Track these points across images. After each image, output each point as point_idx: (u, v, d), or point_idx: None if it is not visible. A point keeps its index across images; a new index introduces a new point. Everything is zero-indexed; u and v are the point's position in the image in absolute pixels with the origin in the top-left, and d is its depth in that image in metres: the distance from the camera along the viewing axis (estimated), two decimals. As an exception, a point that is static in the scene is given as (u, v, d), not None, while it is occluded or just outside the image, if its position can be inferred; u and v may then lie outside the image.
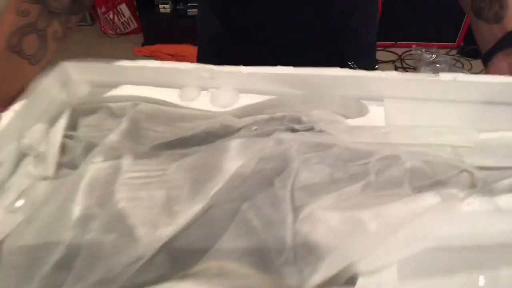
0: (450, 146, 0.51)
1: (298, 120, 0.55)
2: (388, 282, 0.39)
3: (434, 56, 2.92)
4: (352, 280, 0.40)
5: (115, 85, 0.67)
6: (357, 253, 0.41)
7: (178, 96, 0.66)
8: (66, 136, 0.59)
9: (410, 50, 3.04)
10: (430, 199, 0.46)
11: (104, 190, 0.50)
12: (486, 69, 0.70)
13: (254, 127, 0.57)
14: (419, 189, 0.47)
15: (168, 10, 3.20)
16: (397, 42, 3.06)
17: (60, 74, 0.66)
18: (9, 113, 0.56)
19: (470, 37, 2.97)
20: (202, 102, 0.64)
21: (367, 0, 0.88)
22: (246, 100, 0.63)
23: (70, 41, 3.39)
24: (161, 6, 3.19)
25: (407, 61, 3.00)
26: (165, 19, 3.22)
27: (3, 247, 0.44)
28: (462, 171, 0.50)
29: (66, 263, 0.43)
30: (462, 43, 3.05)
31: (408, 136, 0.52)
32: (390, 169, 0.48)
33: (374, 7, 0.94)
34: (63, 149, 0.58)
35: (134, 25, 3.47)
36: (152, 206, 0.47)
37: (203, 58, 0.99)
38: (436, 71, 2.75)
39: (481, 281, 0.36)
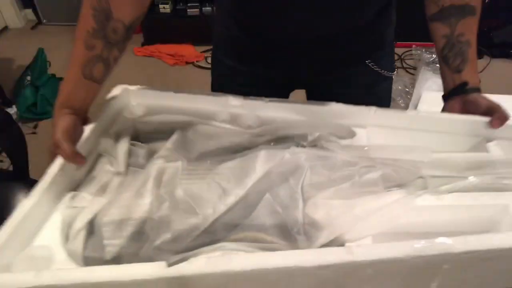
0: (412, 160, 0.80)
1: (305, 139, 0.83)
2: (365, 244, 0.68)
3: (434, 56, 3.11)
4: (342, 244, 0.69)
5: (164, 107, 0.95)
6: (344, 228, 0.69)
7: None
8: (131, 144, 0.87)
9: (410, 50, 3.27)
10: (395, 195, 0.74)
11: (169, 182, 0.77)
12: (443, 107, 0.93)
13: (272, 143, 0.85)
14: (388, 188, 0.76)
15: (168, 10, 3.43)
16: (397, 42, 3.26)
17: (122, 98, 0.94)
18: (90, 126, 0.85)
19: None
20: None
21: (389, 1, 0.98)
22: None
23: (70, 41, 3.65)
24: (161, 6, 3.41)
25: (407, 61, 3.24)
26: (165, 19, 3.45)
27: (95, 221, 0.72)
28: (419, 177, 0.78)
29: (142, 231, 0.71)
30: (461, 45, 3.29)
31: (383, 153, 0.80)
32: (369, 174, 0.76)
33: (393, 7, 1.03)
34: (129, 153, 0.86)
35: (134, 25, 3.69)
36: (207, 192, 0.75)
37: (220, 59, 1.14)
38: (436, 71, 2.97)
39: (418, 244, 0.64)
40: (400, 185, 0.77)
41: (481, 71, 3.02)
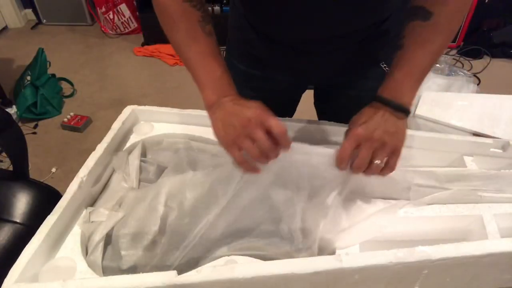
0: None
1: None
2: (353, 253, 0.78)
3: (434, 56, 3.20)
4: (333, 252, 0.79)
5: (170, 124, 1.05)
6: (335, 238, 0.80)
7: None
8: (141, 161, 0.98)
9: None
10: (381, 205, 0.84)
11: (177, 194, 0.88)
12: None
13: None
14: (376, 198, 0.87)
15: (168, 10, 3.49)
16: None
17: (131, 117, 1.04)
18: (102, 145, 0.95)
19: (470, 37, 3.32)
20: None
21: (399, 4, 0.94)
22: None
23: (70, 41, 3.76)
24: None
25: None
26: None
27: (112, 234, 0.82)
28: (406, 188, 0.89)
29: (155, 242, 0.81)
30: (462, 43, 3.36)
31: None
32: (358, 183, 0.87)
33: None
34: (140, 169, 0.97)
35: (134, 25, 3.79)
36: (213, 201, 0.85)
37: (233, 64, 1.12)
38: (436, 71, 3.04)
39: (400, 253, 0.74)
40: (387, 195, 0.88)
41: (481, 71, 3.13)
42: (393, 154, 0.80)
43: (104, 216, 0.83)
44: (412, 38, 0.82)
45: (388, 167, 0.80)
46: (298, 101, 1.28)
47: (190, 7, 0.83)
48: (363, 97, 0.88)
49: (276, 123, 0.73)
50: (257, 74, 1.11)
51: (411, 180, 0.89)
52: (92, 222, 0.83)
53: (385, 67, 1.05)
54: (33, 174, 1.55)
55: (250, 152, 0.74)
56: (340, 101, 1.16)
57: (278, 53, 1.04)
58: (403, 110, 0.81)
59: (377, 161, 0.79)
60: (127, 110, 1.05)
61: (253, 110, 0.75)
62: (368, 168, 0.79)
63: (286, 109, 1.23)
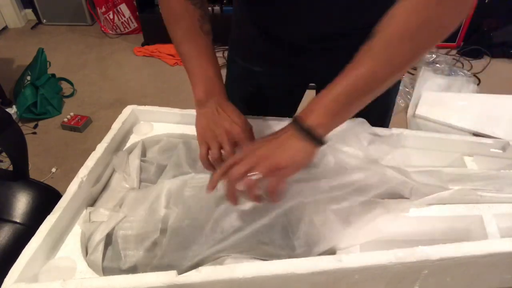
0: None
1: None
2: (353, 253, 0.78)
3: (434, 56, 3.20)
4: (333, 252, 0.79)
5: (169, 123, 1.05)
6: (337, 239, 0.80)
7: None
8: (141, 160, 0.98)
9: None
10: (381, 205, 0.85)
11: (177, 195, 0.88)
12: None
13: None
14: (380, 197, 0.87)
15: (168, 10, 3.49)
16: None
17: (131, 117, 1.04)
18: (102, 145, 0.95)
19: (470, 37, 3.32)
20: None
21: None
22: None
23: (70, 41, 3.76)
24: None
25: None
26: None
27: (113, 234, 0.82)
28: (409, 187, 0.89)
29: (155, 243, 0.81)
30: (462, 43, 3.36)
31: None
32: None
33: None
34: (140, 169, 0.96)
35: (134, 25, 3.79)
36: (212, 202, 0.85)
37: (234, 60, 1.17)
38: (436, 71, 3.06)
39: (400, 253, 0.74)
40: (390, 194, 0.88)
41: (481, 71, 3.13)
42: (272, 172, 0.72)
43: (104, 217, 0.83)
44: (353, 60, 0.72)
45: (269, 188, 0.74)
46: (299, 101, 1.27)
47: (191, 5, 0.88)
48: None
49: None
50: (257, 70, 1.12)
51: (411, 180, 0.89)
52: (92, 222, 0.83)
53: None
54: (33, 174, 1.55)
55: (213, 155, 0.86)
56: None
57: (278, 50, 1.05)
58: (309, 133, 0.72)
59: (251, 174, 0.73)
60: (127, 110, 1.05)
61: (235, 127, 0.85)
62: (243, 182, 0.74)
63: (286, 108, 1.23)
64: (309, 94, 1.23)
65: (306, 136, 0.72)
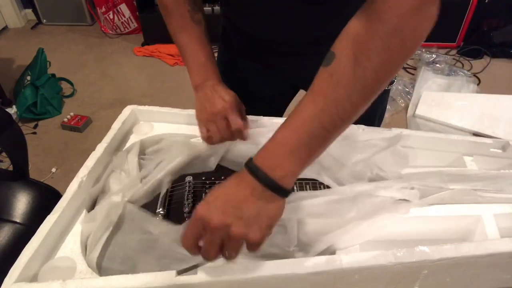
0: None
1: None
2: (353, 253, 0.78)
3: (434, 56, 3.21)
4: (333, 252, 0.79)
5: (169, 123, 1.05)
6: (335, 239, 0.80)
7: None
8: (140, 158, 0.98)
9: None
10: (381, 205, 0.85)
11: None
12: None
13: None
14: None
15: (168, 10, 3.49)
16: None
17: (131, 117, 1.05)
18: (102, 145, 0.95)
19: (470, 37, 3.33)
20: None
21: None
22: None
23: (70, 41, 3.76)
24: None
25: (407, 61, 3.28)
26: None
27: (113, 233, 0.82)
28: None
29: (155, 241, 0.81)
30: (462, 43, 3.37)
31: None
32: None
33: None
34: (140, 167, 0.96)
35: (134, 25, 3.79)
36: None
37: (221, 51, 1.21)
38: (436, 71, 3.07)
39: (399, 253, 0.74)
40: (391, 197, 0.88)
41: (481, 71, 3.13)
42: (250, 247, 0.62)
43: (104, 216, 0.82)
44: (310, 89, 0.63)
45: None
46: (288, 102, 1.28)
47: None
48: None
49: (234, 119, 0.90)
50: (240, 66, 1.16)
51: (411, 180, 0.89)
52: (92, 222, 0.83)
53: None
54: (33, 174, 1.55)
55: (213, 134, 0.92)
56: None
57: (257, 51, 1.08)
58: (274, 187, 0.61)
59: (227, 254, 0.63)
60: (127, 110, 1.05)
61: (223, 103, 0.91)
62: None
63: (273, 106, 1.24)
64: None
65: (278, 193, 0.62)
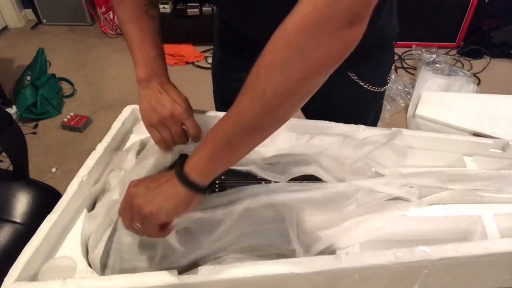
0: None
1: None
2: (352, 252, 0.78)
3: (434, 56, 3.21)
4: (333, 252, 0.79)
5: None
6: (335, 238, 0.80)
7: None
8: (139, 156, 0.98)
9: (410, 50, 3.33)
10: (380, 205, 0.85)
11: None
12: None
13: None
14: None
15: (168, 10, 3.49)
16: (397, 42, 3.31)
17: (131, 115, 1.05)
18: (102, 144, 0.95)
19: (470, 37, 3.32)
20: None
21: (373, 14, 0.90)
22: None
23: (70, 41, 3.76)
24: (161, 6, 3.45)
25: (407, 61, 3.29)
26: (165, 19, 3.47)
27: (114, 233, 0.82)
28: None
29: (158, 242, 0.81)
30: (462, 43, 3.36)
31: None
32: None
33: (378, 21, 0.93)
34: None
35: (134, 25, 3.77)
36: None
37: (214, 50, 1.19)
38: (436, 71, 3.07)
39: (400, 252, 0.74)
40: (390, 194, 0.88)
41: (481, 71, 3.13)
42: (146, 221, 0.69)
43: (104, 216, 0.82)
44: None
45: (148, 235, 0.72)
46: None
47: None
48: (333, 104, 0.96)
49: (192, 125, 0.89)
50: (231, 64, 1.13)
51: (411, 180, 0.89)
52: (93, 221, 0.83)
53: (354, 77, 1.01)
54: (33, 174, 1.55)
55: (166, 139, 0.89)
56: (311, 107, 1.12)
57: (249, 51, 1.05)
58: (186, 180, 0.67)
59: (135, 225, 0.71)
60: (127, 110, 1.05)
61: (177, 107, 0.87)
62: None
63: None
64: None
65: (183, 182, 0.67)
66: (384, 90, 1.11)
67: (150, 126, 0.89)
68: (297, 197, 0.80)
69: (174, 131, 0.88)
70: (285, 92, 0.60)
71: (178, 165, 0.69)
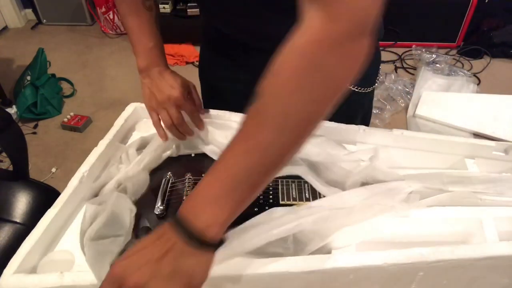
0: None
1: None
2: (348, 252, 0.79)
3: (434, 56, 3.21)
4: (329, 251, 0.80)
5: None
6: (330, 237, 0.80)
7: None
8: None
9: (410, 50, 3.33)
10: (379, 206, 0.85)
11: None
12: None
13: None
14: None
15: (168, 10, 3.50)
16: (397, 42, 3.35)
17: (134, 114, 1.08)
18: (104, 141, 0.97)
19: (470, 37, 3.32)
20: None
21: None
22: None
23: (70, 41, 3.76)
24: (161, 6, 3.46)
25: (407, 61, 3.29)
26: (165, 19, 3.48)
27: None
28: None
29: None
30: (462, 43, 3.36)
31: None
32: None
33: None
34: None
35: (134, 24, 3.78)
36: None
37: (202, 48, 1.20)
38: (436, 71, 3.07)
39: (395, 253, 0.75)
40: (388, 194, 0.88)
41: (481, 71, 3.13)
42: None
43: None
44: (237, 129, 0.59)
45: None
46: None
47: None
48: None
49: (186, 105, 0.94)
50: (218, 63, 1.13)
51: (411, 181, 0.90)
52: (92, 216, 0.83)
53: None
54: (33, 174, 1.55)
55: (164, 121, 0.94)
56: None
57: (231, 49, 1.07)
58: (196, 239, 0.56)
59: None
60: (130, 107, 1.08)
61: (173, 91, 0.92)
62: None
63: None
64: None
65: (200, 245, 0.56)
66: (372, 90, 1.09)
67: (150, 110, 0.95)
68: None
69: (171, 113, 0.93)
70: (308, 116, 0.57)
71: (184, 225, 0.56)
